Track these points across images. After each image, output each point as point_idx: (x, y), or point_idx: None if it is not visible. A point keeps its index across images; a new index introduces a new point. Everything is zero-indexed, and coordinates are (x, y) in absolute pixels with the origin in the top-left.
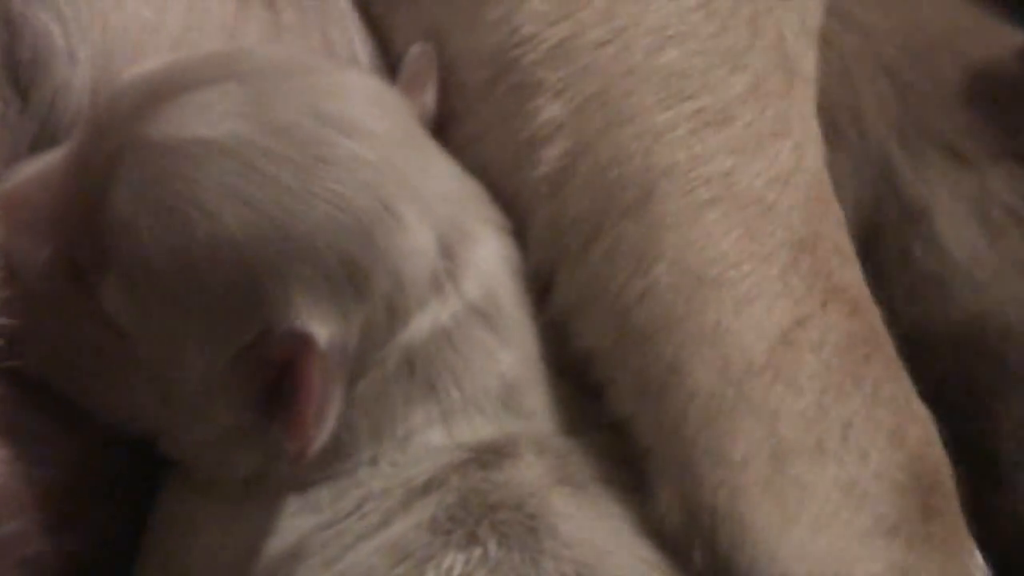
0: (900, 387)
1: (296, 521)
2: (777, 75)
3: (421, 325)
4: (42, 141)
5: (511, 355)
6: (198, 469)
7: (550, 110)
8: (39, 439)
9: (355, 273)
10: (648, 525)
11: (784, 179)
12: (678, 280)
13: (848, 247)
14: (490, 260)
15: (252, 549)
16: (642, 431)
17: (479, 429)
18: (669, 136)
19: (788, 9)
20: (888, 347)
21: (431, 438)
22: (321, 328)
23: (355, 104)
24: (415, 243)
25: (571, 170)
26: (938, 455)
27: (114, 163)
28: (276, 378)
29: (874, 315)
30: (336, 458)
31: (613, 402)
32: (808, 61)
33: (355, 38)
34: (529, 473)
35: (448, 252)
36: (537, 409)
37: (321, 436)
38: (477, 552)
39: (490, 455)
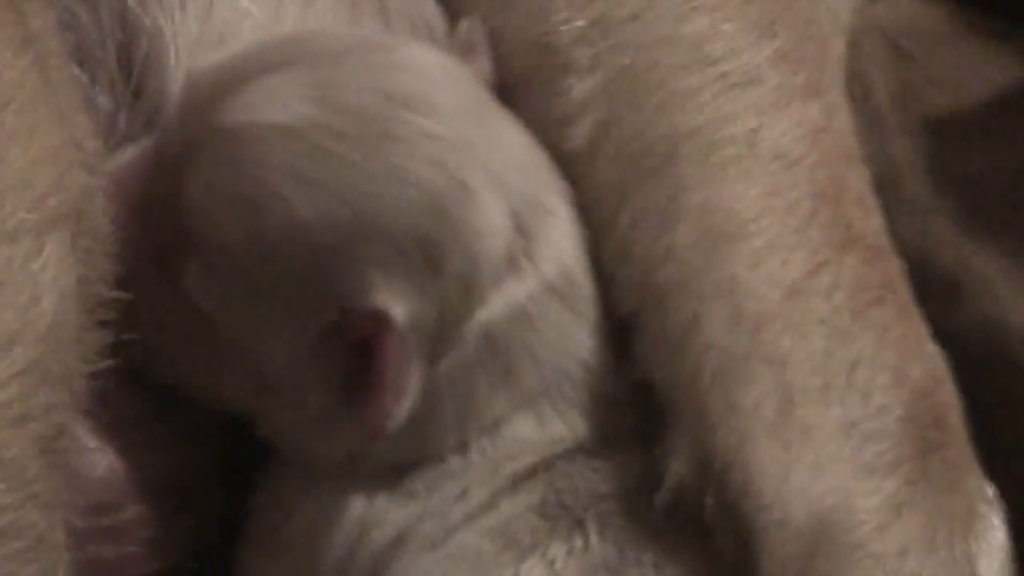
0: (910, 328)
1: (395, 509)
2: (809, 45)
3: (499, 305)
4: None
5: (589, 337)
6: (293, 452)
7: (581, 87)
8: (145, 428)
9: (429, 250)
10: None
11: (812, 137)
12: (699, 238)
13: (871, 200)
14: (565, 235)
15: (351, 536)
16: (662, 387)
17: (567, 417)
18: (694, 100)
19: None
20: (904, 293)
21: (519, 428)
22: (397, 305)
23: (423, 79)
24: (489, 220)
25: (601, 142)
26: (944, 392)
27: (190, 151)
28: (358, 360)
29: (893, 263)
30: (425, 441)
31: (635, 361)
32: (839, 42)
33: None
34: (634, 467)
35: (523, 228)
36: (617, 395)
37: (400, 411)
38: (579, 543)
39: (593, 444)
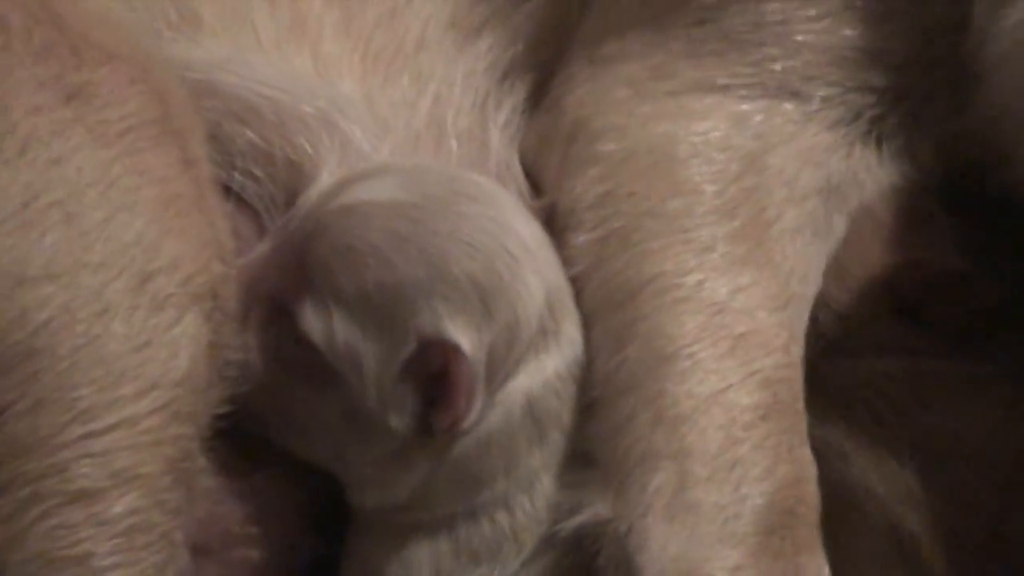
0: (790, 439)
1: (460, 570)
2: (758, 224)
3: (535, 372)
4: None
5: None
6: (366, 493)
7: (584, 239)
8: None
9: (485, 299)
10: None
11: (743, 291)
12: (643, 356)
13: (781, 340)
14: (576, 333)
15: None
16: (603, 459)
17: (578, 486)
18: (661, 255)
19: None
20: (793, 415)
21: (548, 486)
22: (463, 337)
23: (483, 185)
24: (529, 289)
25: (589, 278)
26: (803, 489)
27: (315, 226)
28: (435, 386)
29: (792, 389)
30: (476, 489)
31: (589, 438)
32: (792, 212)
33: None
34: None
35: (552, 311)
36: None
37: (472, 413)
38: None
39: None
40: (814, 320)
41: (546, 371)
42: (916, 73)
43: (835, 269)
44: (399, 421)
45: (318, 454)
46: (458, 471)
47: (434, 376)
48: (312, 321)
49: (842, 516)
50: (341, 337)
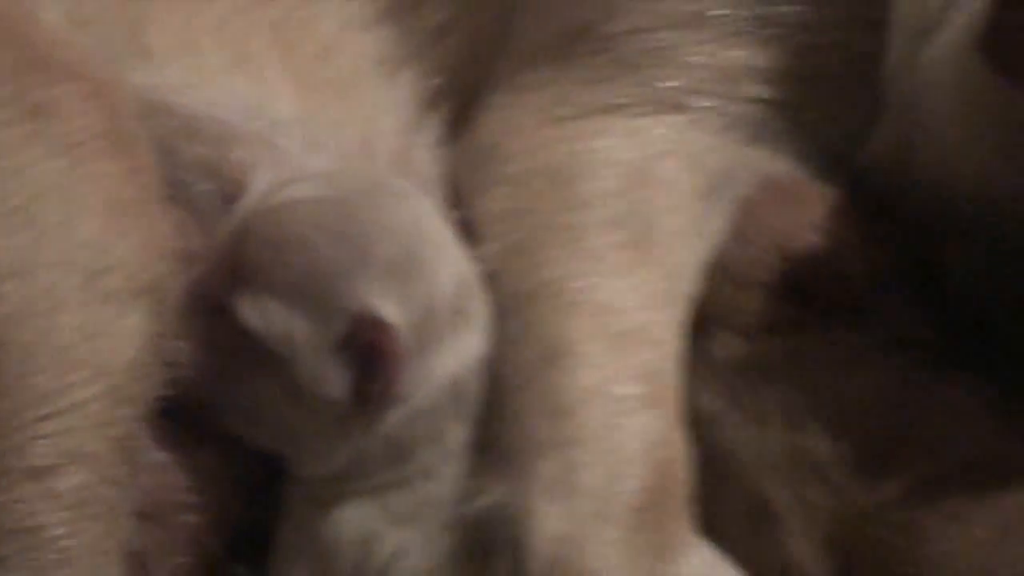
0: (665, 425)
1: (390, 531)
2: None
3: (456, 352)
4: None
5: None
6: (307, 465)
7: (493, 246)
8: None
9: (404, 278)
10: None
11: (639, 291)
12: (536, 355)
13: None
14: (485, 323)
15: (358, 553)
16: (503, 447)
17: (480, 473)
18: (555, 260)
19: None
20: (669, 403)
21: (464, 461)
22: (389, 313)
23: (400, 183)
24: (442, 273)
25: (493, 284)
26: (676, 468)
27: (247, 226)
28: (367, 362)
29: (668, 379)
30: (404, 459)
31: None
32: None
33: None
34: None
35: (463, 298)
36: None
37: (402, 381)
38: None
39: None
40: (705, 300)
41: (463, 353)
42: (797, 85)
43: (723, 254)
44: (337, 394)
45: (263, 435)
46: (389, 441)
47: (366, 349)
48: (250, 312)
49: (714, 482)
50: (278, 323)
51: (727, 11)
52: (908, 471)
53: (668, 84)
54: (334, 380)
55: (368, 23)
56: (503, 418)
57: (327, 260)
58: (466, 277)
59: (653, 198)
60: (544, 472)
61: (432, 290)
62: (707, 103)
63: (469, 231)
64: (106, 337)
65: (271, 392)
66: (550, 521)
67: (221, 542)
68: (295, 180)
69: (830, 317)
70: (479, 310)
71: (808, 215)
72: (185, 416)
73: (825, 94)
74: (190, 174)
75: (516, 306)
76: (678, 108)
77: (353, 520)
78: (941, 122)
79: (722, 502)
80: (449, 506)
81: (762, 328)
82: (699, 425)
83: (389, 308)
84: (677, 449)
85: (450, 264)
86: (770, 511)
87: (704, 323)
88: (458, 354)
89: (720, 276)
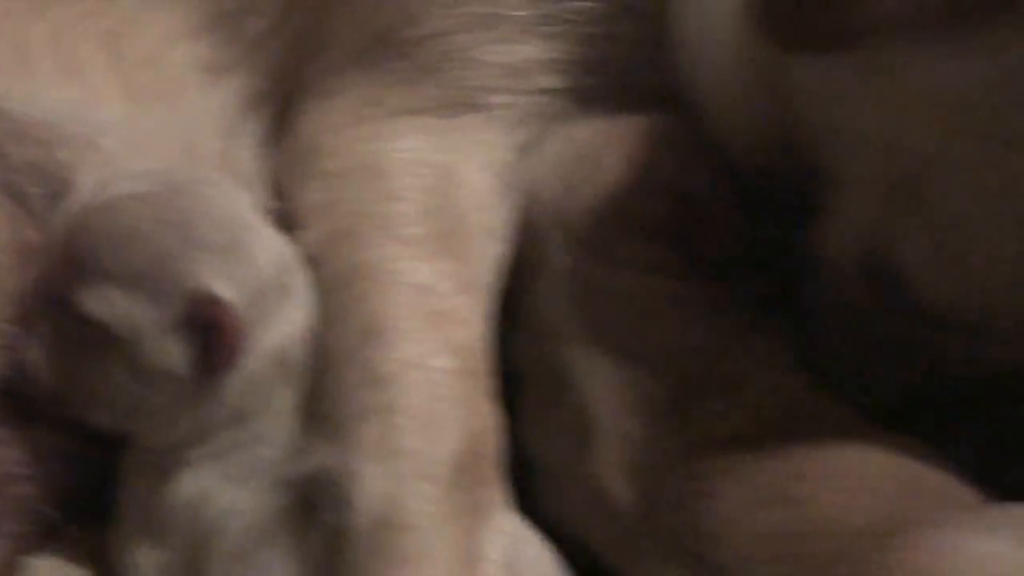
0: (478, 396)
1: (222, 491)
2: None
3: (281, 326)
4: None
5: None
6: (153, 437)
7: (308, 236)
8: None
9: (232, 259)
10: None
11: (447, 276)
12: (358, 332)
13: (478, 322)
14: (306, 299)
15: (189, 511)
16: (329, 415)
17: (308, 437)
18: (371, 246)
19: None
20: (481, 376)
21: (294, 426)
22: (223, 290)
23: (216, 177)
24: (262, 254)
25: (314, 266)
26: (489, 436)
27: (77, 223)
28: (207, 338)
29: (479, 356)
30: (241, 425)
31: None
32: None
33: None
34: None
35: (284, 276)
36: None
37: (242, 351)
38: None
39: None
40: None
41: (287, 326)
42: (583, 73)
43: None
44: (182, 369)
45: (110, 416)
46: (228, 409)
47: (206, 325)
48: (93, 302)
49: (552, 397)
50: (121, 310)
51: (518, 11)
52: (709, 420)
53: (467, 84)
54: (177, 356)
55: (193, 31)
56: (328, 387)
57: (160, 247)
58: (285, 258)
59: (459, 195)
60: (367, 436)
61: (256, 270)
62: (502, 99)
63: (290, 221)
64: None
65: (117, 375)
66: (373, 481)
67: (59, 510)
68: (119, 178)
69: (667, 258)
70: (300, 287)
71: (631, 151)
72: (20, 395)
73: (610, 81)
74: (20, 175)
75: (338, 286)
76: (478, 107)
77: (190, 482)
78: (716, 80)
79: (555, 418)
80: (279, 468)
81: (608, 259)
82: (544, 340)
83: (221, 286)
84: (489, 419)
85: (269, 246)
86: (591, 432)
87: (558, 242)
88: (282, 326)
89: (572, 202)
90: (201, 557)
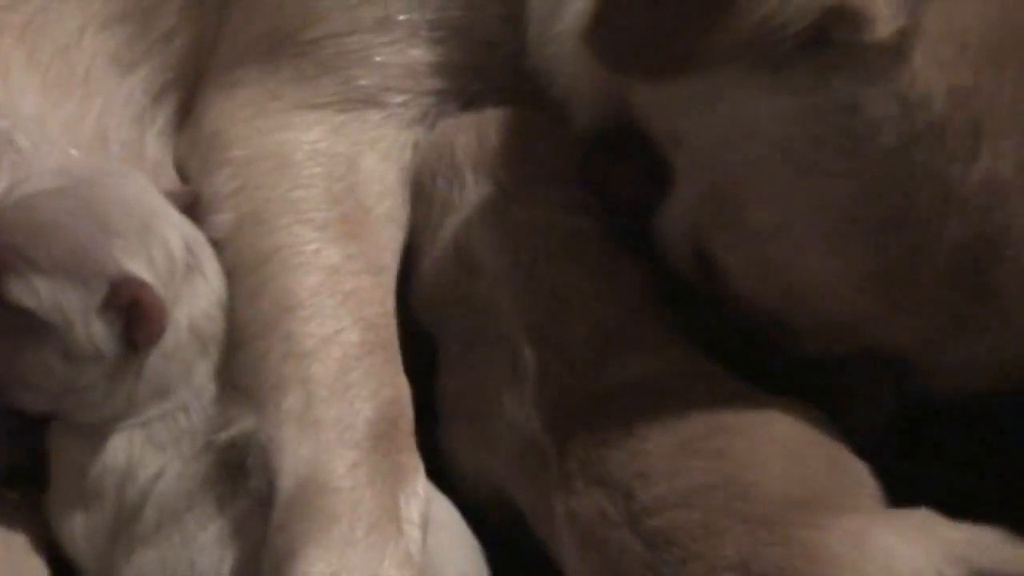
0: (388, 367)
1: (151, 455)
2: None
3: (193, 301)
4: None
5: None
6: (85, 413)
7: (219, 219)
8: None
9: (147, 244)
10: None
11: (356, 259)
12: (271, 310)
13: (389, 303)
14: (216, 273)
15: (121, 476)
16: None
17: (229, 406)
18: (283, 228)
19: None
20: (391, 351)
21: (213, 394)
22: (142, 273)
23: (123, 168)
24: (172, 236)
25: (227, 247)
26: (401, 405)
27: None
28: (131, 317)
29: (388, 332)
30: (164, 396)
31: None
32: (388, 202)
33: None
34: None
35: (193, 255)
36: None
37: (164, 326)
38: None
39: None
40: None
41: (200, 301)
42: (469, 78)
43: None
44: (108, 348)
45: (43, 400)
46: (152, 383)
47: (128, 306)
48: (20, 292)
49: (476, 329)
50: (47, 298)
51: (408, 15)
52: (631, 371)
53: (364, 83)
54: (104, 336)
55: (105, 25)
56: (247, 360)
57: (78, 237)
58: (193, 238)
59: (362, 183)
60: (289, 406)
61: (167, 251)
62: (399, 98)
63: (199, 207)
64: None
65: (49, 359)
66: (297, 448)
67: None
68: (32, 176)
69: (585, 198)
70: (209, 266)
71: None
72: None
73: (492, 85)
74: None
75: (252, 267)
76: (375, 104)
77: (118, 451)
78: (574, 86)
79: (482, 353)
80: (202, 436)
81: (526, 199)
82: (469, 276)
83: (139, 268)
84: (400, 389)
85: (176, 228)
86: (517, 366)
87: (471, 184)
88: (196, 303)
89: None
90: (131, 520)
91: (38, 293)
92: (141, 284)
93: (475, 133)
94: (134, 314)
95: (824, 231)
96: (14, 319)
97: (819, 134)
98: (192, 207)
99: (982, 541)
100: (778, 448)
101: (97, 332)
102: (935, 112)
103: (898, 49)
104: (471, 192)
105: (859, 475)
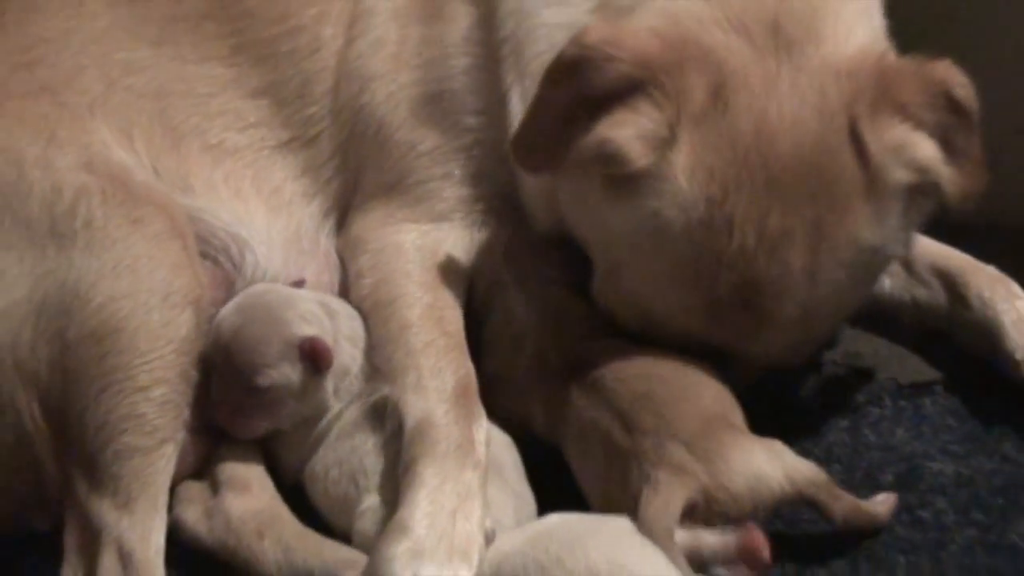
0: (461, 356)
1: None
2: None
3: (340, 328)
4: None
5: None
6: (293, 419)
7: (362, 282)
8: None
9: (300, 313)
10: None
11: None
12: (392, 328)
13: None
14: (355, 318)
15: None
16: (378, 372)
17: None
18: (402, 289)
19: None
20: (461, 346)
21: (363, 374)
22: (311, 332)
23: (267, 285)
24: (309, 301)
25: (366, 300)
26: (471, 382)
27: (230, 340)
28: (313, 356)
29: (459, 337)
30: (334, 395)
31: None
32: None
33: None
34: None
35: (324, 304)
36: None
37: (332, 354)
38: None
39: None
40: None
41: (343, 328)
42: (495, 203)
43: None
44: (299, 385)
45: (277, 426)
46: (331, 387)
47: (309, 352)
48: (261, 380)
49: (502, 320)
50: (279, 376)
51: (462, 170)
52: (583, 348)
53: (439, 208)
54: (298, 378)
55: (297, 175)
56: (378, 360)
57: (267, 332)
58: (319, 297)
59: (442, 261)
60: (408, 381)
61: (311, 310)
62: (458, 215)
63: (347, 278)
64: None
65: (291, 406)
66: (414, 403)
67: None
68: (229, 305)
69: (551, 255)
70: (340, 306)
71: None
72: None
73: (506, 202)
74: (218, 253)
75: (383, 307)
76: (446, 219)
77: (304, 432)
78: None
79: (505, 335)
80: (359, 398)
81: (529, 256)
82: (496, 287)
83: (310, 331)
84: (469, 369)
85: (308, 298)
86: (520, 338)
87: (522, 275)
88: (339, 328)
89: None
90: (322, 437)
91: (271, 376)
92: (315, 338)
93: (504, 250)
94: (313, 356)
95: (664, 284)
96: (264, 394)
97: (644, 228)
98: (300, 285)
99: (810, 472)
100: (692, 378)
101: (295, 374)
102: (701, 211)
103: (658, 175)
104: (507, 276)
105: (736, 406)
